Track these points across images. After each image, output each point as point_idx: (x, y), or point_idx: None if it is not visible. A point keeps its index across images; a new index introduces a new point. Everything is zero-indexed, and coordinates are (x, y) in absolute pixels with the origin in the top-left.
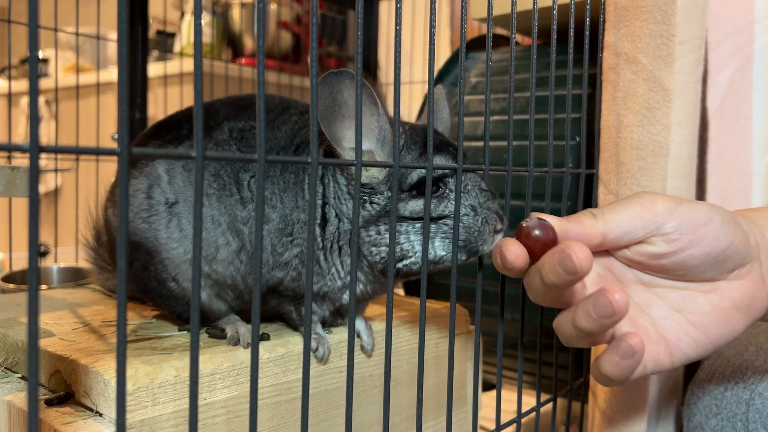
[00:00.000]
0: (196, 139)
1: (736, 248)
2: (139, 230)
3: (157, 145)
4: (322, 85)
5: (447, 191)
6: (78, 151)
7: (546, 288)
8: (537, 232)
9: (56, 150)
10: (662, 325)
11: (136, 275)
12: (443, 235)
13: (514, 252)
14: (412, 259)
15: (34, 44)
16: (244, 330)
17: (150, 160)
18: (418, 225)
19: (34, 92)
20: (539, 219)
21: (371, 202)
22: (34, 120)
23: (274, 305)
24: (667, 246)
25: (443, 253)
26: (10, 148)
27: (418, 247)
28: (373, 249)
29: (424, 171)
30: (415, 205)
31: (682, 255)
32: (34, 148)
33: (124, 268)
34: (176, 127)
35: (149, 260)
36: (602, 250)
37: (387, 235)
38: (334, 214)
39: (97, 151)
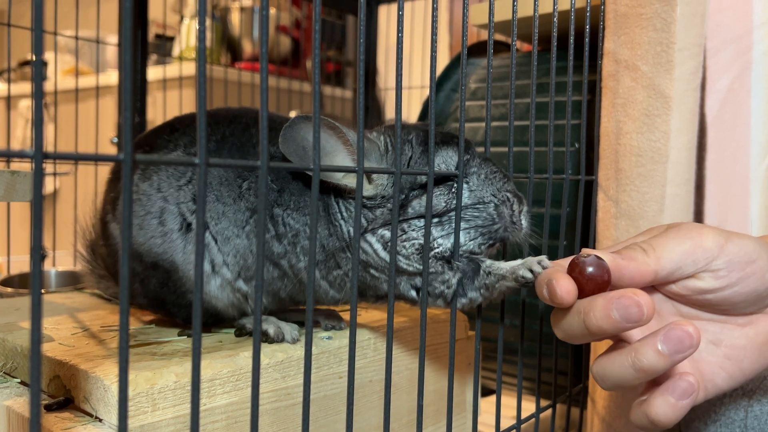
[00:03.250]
0: (199, 146)
1: None
2: (153, 253)
3: (178, 156)
4: (284, 141)
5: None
6: (82, 158)
7: (588, 332)
8: (592, 269)
9: (60, 156)
10: (699, 359)
11: (151, 290)
12: (464, 224)
13: (565, 288)
14: (438, 250)
15: (39, 49)
16: (288, 327)
17: (175, 180)
18: (436, 219)
19: (38, 98)
20: (596, 257)
21: (389, 209)
22: (39, 127)
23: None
24: (715, 282)
25: (469, 243)
26: (14, 155)
27: (441, 240)
28: (406, 244)
29: (435, 166)
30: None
31: (729, 291)
32: (38, 155)
33: (126, 275)
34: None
35: (167, 278)
36: None
37: (411, 232)
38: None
39: (102, 158)
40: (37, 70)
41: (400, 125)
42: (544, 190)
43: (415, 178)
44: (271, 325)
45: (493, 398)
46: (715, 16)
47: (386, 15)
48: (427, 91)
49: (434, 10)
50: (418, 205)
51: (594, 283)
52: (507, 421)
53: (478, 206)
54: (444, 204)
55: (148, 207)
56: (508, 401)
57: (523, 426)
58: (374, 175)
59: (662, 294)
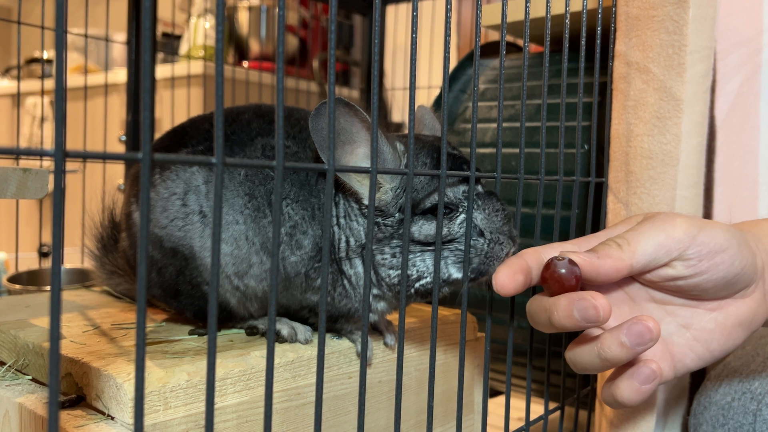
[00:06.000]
0: (216, 146)
1: (746, 271)
2: (174, 237)
3: (186, 154)
4: (316, 117)
5: (459, 214)
6: (101, 156)
7: (553, 327)
8: (563, 271)
9: (80, 155)
10: (670, 341)
11: (167, 280)
12: (455, 258)
13: (500, 282)
14: (428, 279)
15: (60, 47)
16: (302, 328)
17: (188, 166)
18: (432, 247)
19: (60, 96)
20: (569, 261)
21: (384, 225)
22: (60, 125)
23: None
24: (685, 270)
25: (457, 275)
26: (36, 153)
27: (433, 269)
28: (391, 272)
29: (437, 198)
30: (429, 229)
31: (699, 279)
32: (59, 154)
33: (143, 273)
34: (207, 136)
35: (185, 266)
36: None
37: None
38: (344, 238)
39: (121, 157)
40: (59, 70)
41: (415, 135)
42: (554, 192)
43: (419, 202)
44: (284, 326)
45: (499, 399)
46: (725, 19)
47: (393, 16)
48: (432, 92)
49: (447, 10)
50: (417, 231)
51: (560, 285)
52: (515, 423)
53: (472, 239)
54: (442, 231)
55: (173, 188)
56: (516, 403)
57: (531, 428)
58: (381, 188)
59: (636, 281)
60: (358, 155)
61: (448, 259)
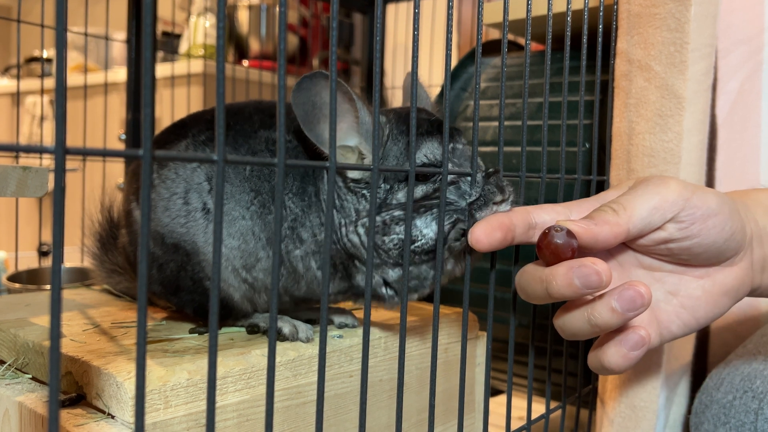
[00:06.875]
0: (217, 143)
1: (735, 238)
2: (177, 234)
3: (187, 144)
4: (297, 91)
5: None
6: (103, 154)
7: (550, 297)
8: (559, 241)
9: (81, 152)
10: (657, 307)
11: (168, 276)
12: (446, 216)
13: (475, 237)
14: (423, 241)
15: (61, 45)
16: (303, 326)
17: (188, 162)
18: (421, 209)
19: (60, 94)
20: (568, 233)
21: (370, 195)
22: (60, 122)
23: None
24: (678, 232)
25: (452, 233)
26: (37, 150)
27: (426, 230)
28: (385, 238)
29: (419, 159)
30: (415, 192)
31: (690, 242)
32: (60, 151)
33: (144, 271)
34: (208, 125)
35: (187, 261)
36: None
37: (393, 225)
38: (343, 222)
39: (122, 154)
40: (60, 65)
41: (394, 113)
42: (556, 190)
43: (402, 166)
44: (285, 324)
45: (500, 398)
46: (727, 17)
47: (393, 15)
48: (432, 90)
49: (449, 8)
50: (403, 197)
51: (555, 256)
52: (516, 422)
53: (458, 201)
54: (428, 191)
55: (174, 188)
56: (517, 402)
57: (532, 427)
58: (365, 159)
59: (626, 246)
60: (341, 129)
61: (435, 222)
